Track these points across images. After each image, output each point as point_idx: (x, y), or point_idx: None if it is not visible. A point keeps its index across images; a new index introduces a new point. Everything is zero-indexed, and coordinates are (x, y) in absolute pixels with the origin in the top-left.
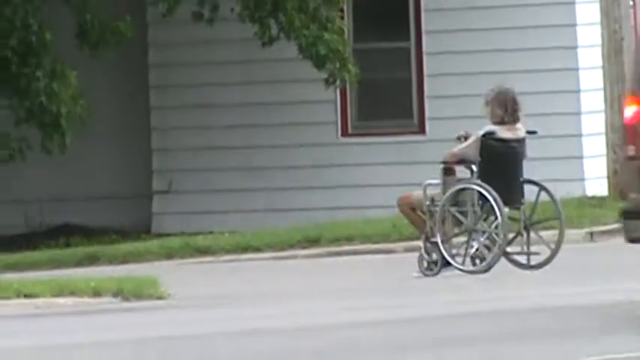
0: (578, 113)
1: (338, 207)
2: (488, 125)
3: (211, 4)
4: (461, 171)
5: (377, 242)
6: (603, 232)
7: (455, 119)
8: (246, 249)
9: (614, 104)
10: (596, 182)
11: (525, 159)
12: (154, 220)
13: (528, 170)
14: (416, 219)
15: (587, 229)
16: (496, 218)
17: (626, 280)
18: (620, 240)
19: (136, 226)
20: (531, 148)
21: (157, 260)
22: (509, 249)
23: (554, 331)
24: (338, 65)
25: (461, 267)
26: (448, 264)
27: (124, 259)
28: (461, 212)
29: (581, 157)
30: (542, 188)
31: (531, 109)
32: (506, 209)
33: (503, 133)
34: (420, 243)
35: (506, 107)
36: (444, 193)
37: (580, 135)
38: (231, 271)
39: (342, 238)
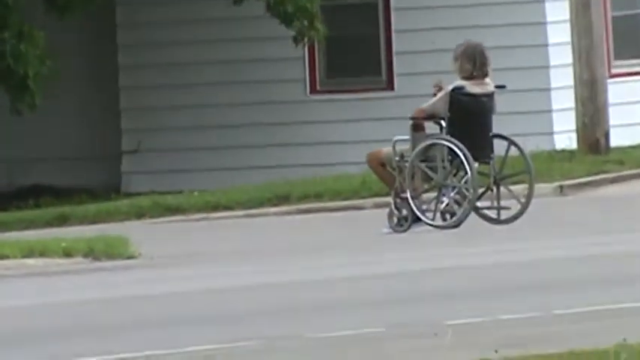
0: (547, 67)
1: (308, 164)
2: (457, 80)
3: None
4: (430, 127)
5: (346, 199)
6: (573, 186)
7: (423, 75)
8: (216, 207)
9: (582, 57)
10: (565, 136)
11: (495, 113)
12: (124, 180)
13: (498, 125)
14: (385, 175)
15: (557, 183)
16: (466, 173)
17: (595, 233)
18: (589, 193)
19: (105, 186)
20: (500, 103)
21: (127, 220)
22: (479, 204)
23: (528, 285)
24: (306, 23)
25: (431, 222)
26: (418, 219)
27: (94, 219)
28: (430, 168)
29: (550, 111)
30: (511, 142)
31: (500, 63)
32: (475, 164)
33: (472, 87)
34: (389, 199)
35: (475, 62)
36: (413, 148)
37: (549, 89)
38: (201, 229)
39: (312, 194)
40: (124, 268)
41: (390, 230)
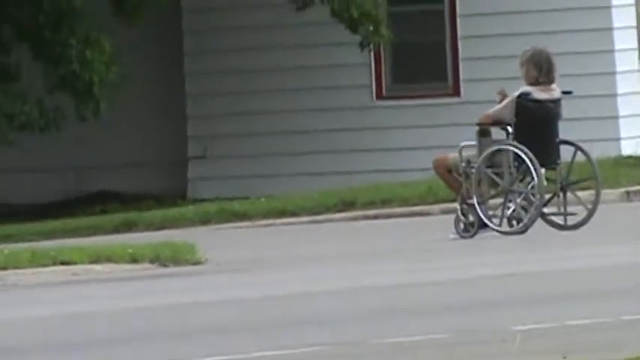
0: (613, 73)
1: (374, 170)
2: (523, 86)
3: None
4: (497, 132)
5: (413, 205)
6: (639, 192)
7: (489, 81)
8: (282, 213)
9: None
10: (631, 142)
11: (561, 119)
12: (190, 186)
13: (564, 131)
14: (452, 181)
15: (623, 189)
16: (532, 179)
17: None
18: None
19: (171, 192)
20: (567, 109)
21: (194, 226)
22: (545, 210)
23: (595, 291)
24: (371, 28)
25: (498, 228)
26: (485, 225)
27: (161, 225)
28: (497, 173)
29: (616, 117)
30: (578, 148)
31: (566, 69)
32: (542, 170)
33: (538, 93)
34: (456, 205)
35: (541, 68)
36: (479, 154)
37: (615, 95)
38: (267, 235)
39: (378, 201)
40: (190, 273)
41: (457, 236)
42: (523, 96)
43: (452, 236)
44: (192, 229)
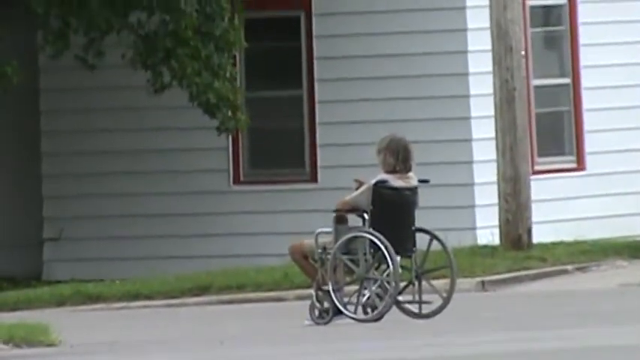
0: (470, 162)
1: (230, 255)
2: (380, 174)
3: (96, 50)
4: (353, 219)
5: (268, 290)
6: (495, 281)
7: (347, 167)
8: (137, 296)
9: (505, 153)
10: (487, 231)
11: (417, 208)
12: (45, 268)
13: (421, 219)
14: (307, 267)
15: (478, 278)
16: (388, 266)
17: (516, 329)
18: (511, 289)
19: (26, 274)
20: (424, 197)
21: (48, 307)
22: (400, 297)
23: None
24: (229, 113)
25: (353, 315)
26: (340, 312)
27: (15, 307)
28: (352, 260)
29: (473, 206)
30: (433, 237)
31: (424, 157)
32: (397, 257)
33: (395, 181)
34: (311, 291)
35: (398, 156)
36: (335, 241)
37: (472, 184)
38: (122, 318)
39: (234, 285)
40: (44, 355)
41: (312, 322)
42: (380, 183)
43: (307, 322)
44: (46, 311)
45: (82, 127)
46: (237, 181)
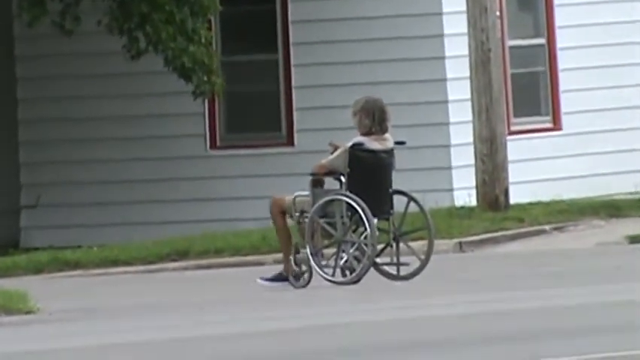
0: (447, 124)
1: (208, 219)
2: (356, 136)
3: (73, 15)
4: (330, 182)
5: (247, 254)
6: (472, 242)
7: (323, 131)
8: (115, 262)
9: (481, 115)
10: (464, 192)
11: (394, 170)
12: (23, 235)
13: (398, 181)
14: (281, 226)
15: (456, 240)
16: (365, 229)
17: (494, 290)
18: (488, 250)
19: (4, 241)
20: (401, 159)
21: (26, 275)
22: (378, 260)
23: (420, 342)
24: (205, 77)
25: (331, 278)
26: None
27: None
28: (330, 224)
29: (449, 168)
30: (410, 199)
31: (400, 119)
32: (375, 220)
33: (371, 144)
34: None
35: (374, 118)
36: (313, 204)
37: (448, 145)
38: (100, 284)
39: (212, 250)
40: (22, 323)
41: (270, 283)
42: (356, 146)
43: (259, 281)
44: (24, 278)
45: (59, 93)
46: (213, 145)
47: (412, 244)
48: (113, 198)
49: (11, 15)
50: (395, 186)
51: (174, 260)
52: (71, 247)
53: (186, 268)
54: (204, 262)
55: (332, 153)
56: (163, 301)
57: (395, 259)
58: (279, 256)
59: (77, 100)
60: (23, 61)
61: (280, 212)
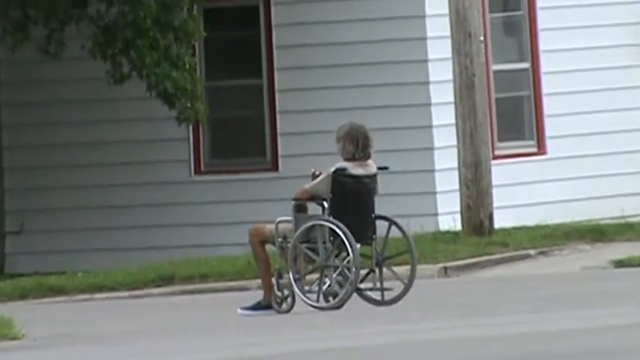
0: (431, 148)
1: (193, 245)
2: (339, 161)
3: (58, 40)
4: (314, 208)
5: (231, 280)
6: (457, 267)
7: (307, 156)
8: (100, 288)
9: (465, 139)
10: (449, 217)
11: (377, 195)
12: (7, 261)
13: (382, 206)
14: (260, 254)
15: (441, 264)
16: (348, 254)
17: (478, 315)
18: (473, 275)
19: None
20: (386, 184)
21: (11, 300)
22: (361, 285)
23: None
24: (189, 104)
25: (314, 304)
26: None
27: None
28: (312, 249)
29: (434, 193)
30: (392, 223)
31: (384, 144)
32: (357, 245)
33: (354, 169)
34: (272, 280)
35: (357, 143)
36: (295, 230)
37: (433, 170)
38: (85, 310)
39: (197, 276)
40: (7, 349)
41: (250, 312)
42: (339, 171)
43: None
44: (9, 304)
45: (43, 119)
46: (198, 170)
47: (396, 268)
48: (98, 224)
49: None
50: (380, 210)
51: (159, 286)
52: (56, 272)
53: (171, 294)
54: (189, 287)
55: (315, 178)
56: (148, 327)
57: (378, 285)
58: None
59: (61, 126)
60: (7, 86)
61: (260, 241)
